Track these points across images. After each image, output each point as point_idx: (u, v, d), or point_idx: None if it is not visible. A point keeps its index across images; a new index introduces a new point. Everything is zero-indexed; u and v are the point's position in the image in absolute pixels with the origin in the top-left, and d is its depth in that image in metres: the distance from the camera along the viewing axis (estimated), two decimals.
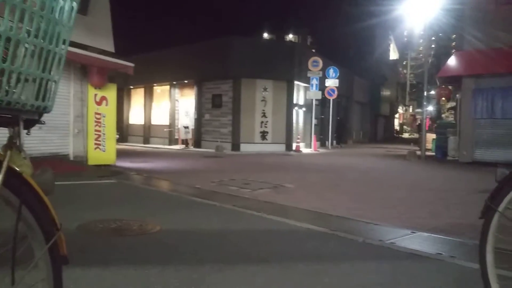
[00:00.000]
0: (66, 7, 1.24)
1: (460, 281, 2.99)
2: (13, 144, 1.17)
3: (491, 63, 12.66)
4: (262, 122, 18.95)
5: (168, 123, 22.20)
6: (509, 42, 12.42)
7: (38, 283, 1.26)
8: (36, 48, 1.16)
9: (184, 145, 20.34)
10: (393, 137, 44.85)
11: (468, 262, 3.24)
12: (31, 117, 1.25)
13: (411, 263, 3.34)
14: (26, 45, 1.13)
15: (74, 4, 1.26)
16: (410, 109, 62.30)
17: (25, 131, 1.24)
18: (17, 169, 1.16)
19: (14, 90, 1.13)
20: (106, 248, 3.54)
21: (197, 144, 20.09)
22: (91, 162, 10.27)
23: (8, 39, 1.07)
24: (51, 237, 1.24)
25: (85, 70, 10.27)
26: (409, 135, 50.72)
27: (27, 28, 1.11)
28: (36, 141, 9.20)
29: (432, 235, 4.33)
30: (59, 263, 1.29)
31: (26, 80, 1.16)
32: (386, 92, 41.72)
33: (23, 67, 1.13)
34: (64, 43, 1.27)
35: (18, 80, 1.13)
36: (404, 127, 57.92)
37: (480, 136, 13.85)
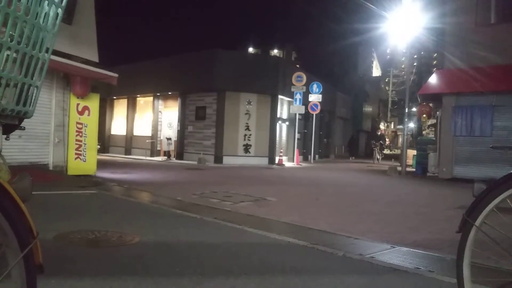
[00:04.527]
0: (51, 14, 1.23)
1: None
2: None
3: (471, 82, 12.94)
4: (245, 135, 18.97)
5: (150, 135, 22.05)
6: (488, 61, 12.76)
7: None
8: (19, 53, 1.15)
9: (166, 157, 20.20)
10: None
11: (446, 276, 3.27)
12: (11, 122, 1.23)
13: (390, 277, 3.36)
14: (9, 50, 1.12)
15: (59, 11, 1.26)
16: (392, 126, 63.13)
17: (4, 136, 1.23)
18: None
19: None
20: (83, 259, 3.47)
21: (180, 156, 19.98)
22: (71, 172, 10.13)
23: None
24: (27, 245, 1.21)
25: (68, 79, 10.18)
26: (390, 151, 51.32)
27: (11, 32, 1.11)
28: (14, 150, 9.04)
29: (411, 249, 4.37)
30: (34, 273, 1.25)
31: (8, 85, 1.15)
32: (368, 108, 42.28)
33: (4, 72, 1.12)
34: (47, 49, 1.26)
35: None
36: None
37: (459, 153, 14.08)
